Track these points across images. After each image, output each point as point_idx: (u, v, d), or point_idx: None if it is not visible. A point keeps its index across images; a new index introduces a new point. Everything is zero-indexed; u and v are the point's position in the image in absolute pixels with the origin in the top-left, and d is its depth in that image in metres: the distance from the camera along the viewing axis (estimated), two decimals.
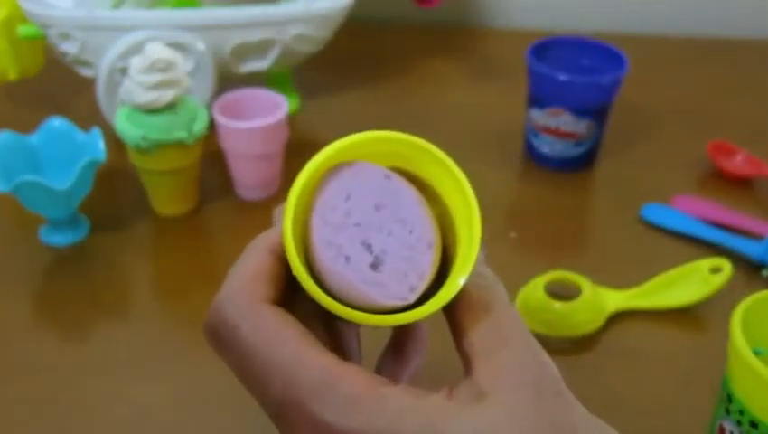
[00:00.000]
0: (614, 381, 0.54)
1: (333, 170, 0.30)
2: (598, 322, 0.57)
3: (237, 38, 0.73)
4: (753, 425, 0.40)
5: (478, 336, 0.28)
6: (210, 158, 0.69)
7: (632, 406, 0.52)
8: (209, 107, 0.68)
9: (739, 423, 0.41)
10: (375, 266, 0.28)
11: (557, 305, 0.56)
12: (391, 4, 0.99)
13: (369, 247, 0.29)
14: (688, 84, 0.89)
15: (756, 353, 0.40)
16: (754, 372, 0.39)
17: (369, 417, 0.26)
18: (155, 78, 0.61)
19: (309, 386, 0.26)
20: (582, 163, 0.74)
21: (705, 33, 0.97)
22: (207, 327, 0.29)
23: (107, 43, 0.71)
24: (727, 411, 0.42)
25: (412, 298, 0.28)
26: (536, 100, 0.72)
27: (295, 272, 0.28)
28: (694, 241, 0.65)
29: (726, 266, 0.59)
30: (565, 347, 0.56)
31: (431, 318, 0.29)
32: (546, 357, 0.28)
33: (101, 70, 0.71)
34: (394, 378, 0.33)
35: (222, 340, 0.28)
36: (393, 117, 0.82)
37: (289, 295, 0.30)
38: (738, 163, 0.74)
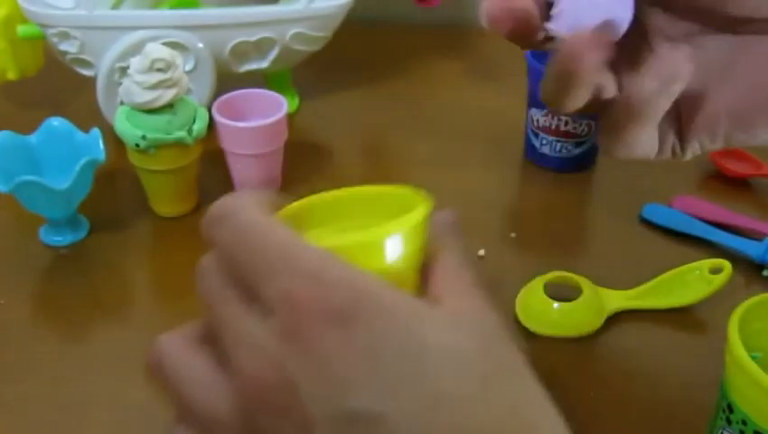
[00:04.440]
0: (614, 381, 0.54)
1: None
2: (598, 322, 0.57)
3: (236, 38, 0.73)
4: None
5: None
6: (210, 158, 0.69)
7: (632, 406, 0.52)
8: (208, 107, 0.68)
9: (742, 433, 0.41)
10: None
11: (557, 305, 0.56)
12: (391, 4, 0.99)
13: None
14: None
15: (752, 358, 0.40)
16: (756, 382, 0.39)
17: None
18: (155, 78, 0.61)
19: (304, 248, 0.27)
20: (582, 163, 0.74)
21: None
22: (210, 217, 0.30)
23: (106, 43, 0.71)
24: (728, 421, 0.42)
25: None
26: (536, 100, 0.72)
27: None
28: (694, 241, 0.65)
29: (726, 266, 0.59)
30: (565, 347, 0.56)
31: None
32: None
33: (101, 70, 0.71)
34: None
35: (224, 226, 0.29)
36: (393, 118, 0.82)
37: None
38: (738, 163, 0.74)
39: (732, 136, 0.39)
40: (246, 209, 0.28)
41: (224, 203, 0.29)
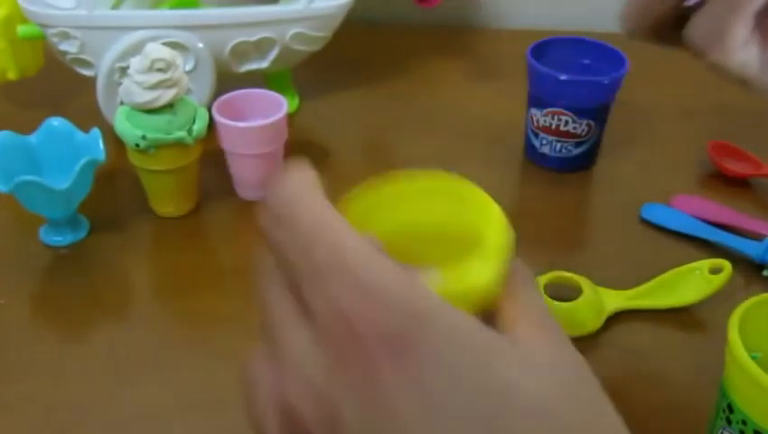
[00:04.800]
0: (614, 381, 0.54)
1: None
2: (598, 322, 0.57)
3: (236, 38, 0.73)
4: None
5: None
6: (210, 158, 0.69)
7: (632, 406, 0.52)
8: (208, 107, 0.68)
9: (742, 433, 0.41)
10: None
11: (557, 305, 0.56)
12: (391, 4, 0.99)
13: None
14: (688, 84, 0.89)
15: (752, 358, 0.40)
16: (756, 382, 0.39)
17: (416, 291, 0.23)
18: (155, 78, 0.61)
19: (356, 251, 0.24)
20: (582, 163, 0.74)
21: None
22: (268, 214, 0.27)
23: (106, 43, 0.71)
24: (728, 421, 0.42)
25: None
26: (536, 100, 0.72)
27: None
28: (694, 241, 0.65)
29: (726, 266, 0.59)
30: None
31: None
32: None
33: (101, 70, 0.71)
34: None
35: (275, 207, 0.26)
36: (393, 118, 0.82)
37: None
38: (738, 163, 0.74)
39: None
40: (303, 200, 0.26)
41: (281, 197, 0.26)
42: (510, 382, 0.23)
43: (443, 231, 0.31)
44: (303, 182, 0.27)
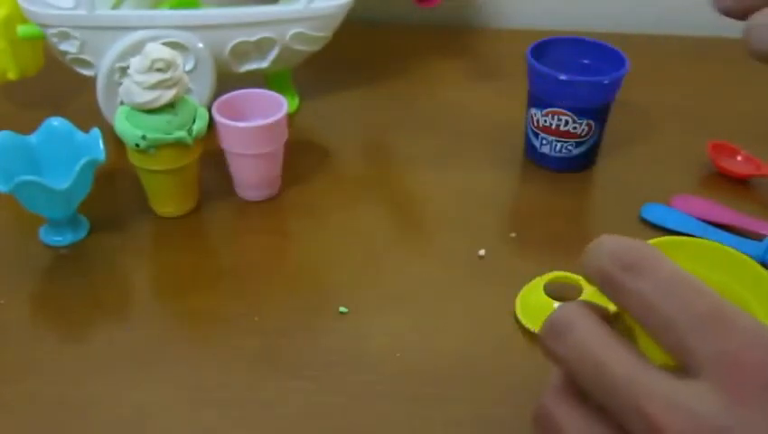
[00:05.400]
0: None
1: None
2: None
3: (236, 38, 0.73)
4: None
5: None
6: (210, 158, 0.69)
7: None
8: (208, 107, 0.68)
9: None
10: None
11: (557, 305, 0.56)
12: (391, 4, 0.99)
13: None
14: (688, 84, 0.89)
15: None
16: None
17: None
18: (155, 78, 0.61)
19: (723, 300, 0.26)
20: (582, 163, 0.74)
21: (705, 32, 0.97)
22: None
23: (106, 43, 0.71)
24: None
25: None
26: (536, 100, 0.72)
27: None
28: None
29: None
30: None
31: None
32: None
33: (101, 70, 0.71)
34: None
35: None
36: (393, 118, 0.82)
37: None
38: (738, 163, 0.74)
39: None
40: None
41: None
42: None
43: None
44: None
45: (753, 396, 0.24)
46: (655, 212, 0.68)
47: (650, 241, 0.47)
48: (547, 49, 0.73)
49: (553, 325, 0.29)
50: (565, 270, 0.59)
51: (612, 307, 0.29)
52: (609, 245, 0.30)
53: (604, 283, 0.29)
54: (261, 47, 0.75)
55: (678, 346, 0.26)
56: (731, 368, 0.24)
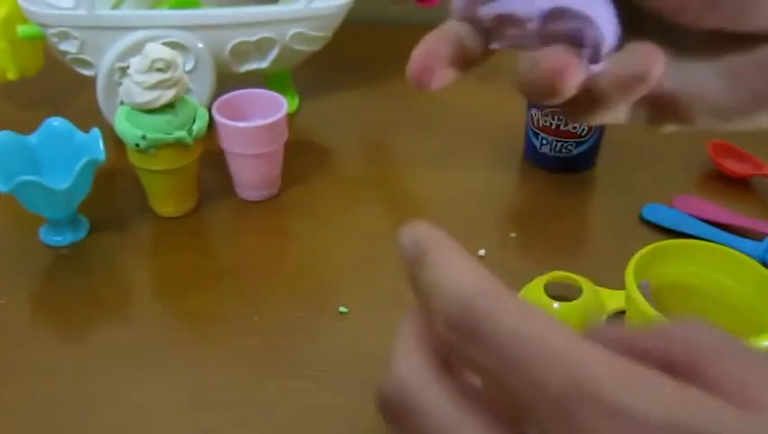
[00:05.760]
0: None
1: None
2: (598, 322, 0.57)
3: (236, 38, 0.73)
4: None
5: None
6: (210, 158, 0.69)
7: None
8: (208, 107, 0.68)
9: None
10: None
11: (557, 305, 0.56)
12: (391, 5, 0.99)
13: None
14: None
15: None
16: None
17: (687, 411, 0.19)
18: (155, 78, 0.61)
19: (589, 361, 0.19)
20: (582, 163, 0.74)
21: None
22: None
23: (106, 43, 0.71)
24: None
25: None
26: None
27: None
28: None
29: None
30: None
31: None
32: None
33: (101, 70, 0.71)
34: None
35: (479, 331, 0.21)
36: (393, 118, 0.82)
37: None
38: (738, 163, 0.74)
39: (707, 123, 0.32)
40: (484, 295, 0.21)
41: (450, 297, 0.22)
42: None
43: (719, 296, 0.32)
44: (453, 261, 0.22)
45: None
46: (655, 213, 0.68)
47: (652, 245, 0.47)
48: None
49: (386, 406, 0.22)
50: (565, 270, 0.59)
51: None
52: (442, 299, 0.22)
53: (445, 339, 0.22)
54: (261, 47, 0.75)
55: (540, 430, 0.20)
56: None
